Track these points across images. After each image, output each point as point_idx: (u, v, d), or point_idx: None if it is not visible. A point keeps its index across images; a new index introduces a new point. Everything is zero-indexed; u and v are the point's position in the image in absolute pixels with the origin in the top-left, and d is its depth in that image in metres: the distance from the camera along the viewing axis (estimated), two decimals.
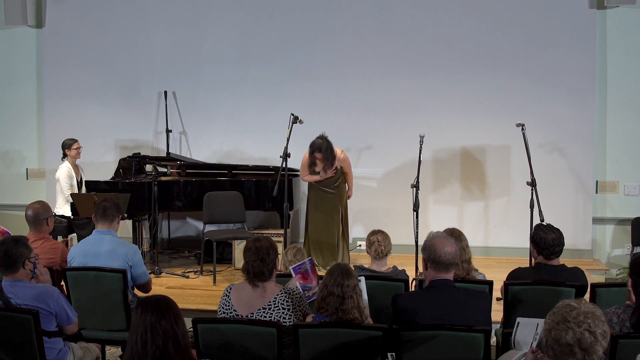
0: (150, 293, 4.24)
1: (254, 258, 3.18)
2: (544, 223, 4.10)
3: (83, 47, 7.87)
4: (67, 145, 6.79)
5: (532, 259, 4.08)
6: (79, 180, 6.80)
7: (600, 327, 2.14)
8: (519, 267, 4.00)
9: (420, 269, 3.82)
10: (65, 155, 6.79)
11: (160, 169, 7.22)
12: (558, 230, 3.89)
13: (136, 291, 4.37)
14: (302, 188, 7.27)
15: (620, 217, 7.01)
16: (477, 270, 4.13)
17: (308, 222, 6.59)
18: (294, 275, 3.73)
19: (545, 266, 3.84)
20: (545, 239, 3.79)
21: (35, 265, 3.57)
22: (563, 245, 3.85)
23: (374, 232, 4.30)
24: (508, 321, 3.79)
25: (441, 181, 7.26)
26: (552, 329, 2.18)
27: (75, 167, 6.86)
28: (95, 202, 4.90)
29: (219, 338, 3.07)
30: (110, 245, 4.23)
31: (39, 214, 4.45)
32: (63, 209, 6.62)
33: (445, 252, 3.09)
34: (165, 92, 7.66)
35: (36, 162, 8.21)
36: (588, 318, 2.14)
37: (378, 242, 4.19)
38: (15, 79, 8.18)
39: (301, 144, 6.58)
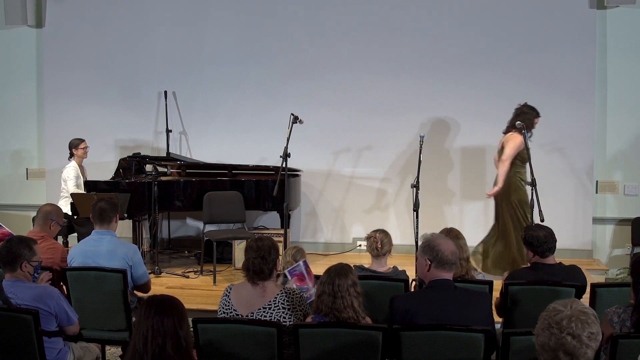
0: (151, 293, 4.24)
1: (255, 255, 3.20)
2: (533, 224, 4.13)
3: (83, 47, 7.87)
4: (75, 145, 6.81)
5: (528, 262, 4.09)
6: (85, 181, 6.81)
7: (587, 329, 2.11)
8: (516, 269, 4.00)
9: None
10: (72, 155, 6.81)
11: (160, 169, 7.22)
12: (547, 227, 3.96)
13: (136, 291, 4.38)
14: (303, 188, 7.27)
15: (620, 217, 7.01)
16: (476, 269, 4.13)
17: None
18: (289, 278, 3.72)
19: (543, 265, 3.85)
20: (538, 237, 3.83)
21: (36, 269, 3.56)
22: (555, 241, 3.89)
23: (375, 230, 4.30)
24: (508, 321, 3.80)
25: (441, 181, 7.26)
26: (538, 335, 2.17)
27: (82, 168, 6.88)
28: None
29: (219, 338, 3.07)
30: (110, 245, 4.23)
31: (51, 213, 4.54)
32: (66, 208, 6.62)
33: (451, 252, 3.12)
34: (165, 92, 7.66)
35: (36, 162, 8.21)
36: (572, 322, 2.10)
37: (374, 238, 4.19)
38: (15, 79, 8.18)
39: (301, 144, 6.59)
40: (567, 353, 2.10)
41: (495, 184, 5.94)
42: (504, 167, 5.75)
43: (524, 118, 5.82)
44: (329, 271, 3.15)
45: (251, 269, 3.21)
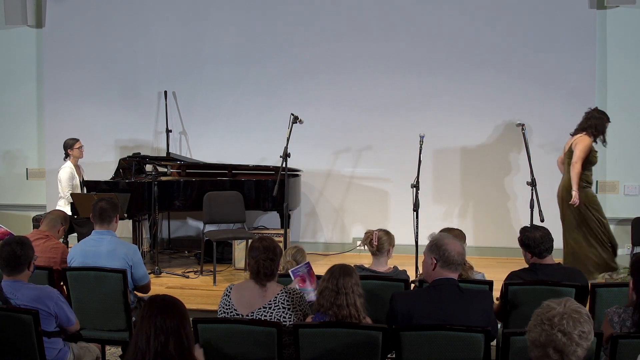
0: (151, 293, 4.25)
1: (264, 257, 3.19)
2: (527, 226, 4.12)
3: (83, 47, 7.87)
4: (69, 145, 6.79)
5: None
6: (81, 181, 6.80)
7: (578, 328, 2.11)
8: (514, 271, 3.97)
9: (421, 269, 3.81)
10: (67, 156, 6.78)
11: (160, 169, 7.22)
12: (543, 227, 3.95)
13: (136, 292, 4.38)
14: (303, 188, 7.27)
15: (620, 217, 7.00)
16: (472, 268, 4.12)
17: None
18: (293, 278, 3.72)
19: (541, 266, 3.84)
20: (534, 238, 3.82)
21: (34, 266, 3.58)
22: (552, 241, 3.88)
23: (377, 229, 4.28)
24: (507, 321, 3.80)
25: (441, 181, 7.26)
26: (530, 331, 2.17)
27: (77, 168, 6.86)
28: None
29: (219, 338, 3.07)
30: (110, 245, 4.23)
31: (63, 218, 4.71)
32: (65, 208, 6.62)
33: (457, 253, 3.13)
34: (165, 92, 7.66)
35: (36, 162, 8.21)
36: (564, 319, 2.11)
37: (371, 234, 4.18)
38: (15, 79, 8.18)
39: (301, 144, 6.59)
40: (556, 350, 2.10)
41: (562, 188, 5.93)
42: (576, 169, 5.74)
43: (595, 123, 5.83)
44: (332, 270, 3.15)
45: (262, 271, 3.20)
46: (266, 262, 3.19)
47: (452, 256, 3.11)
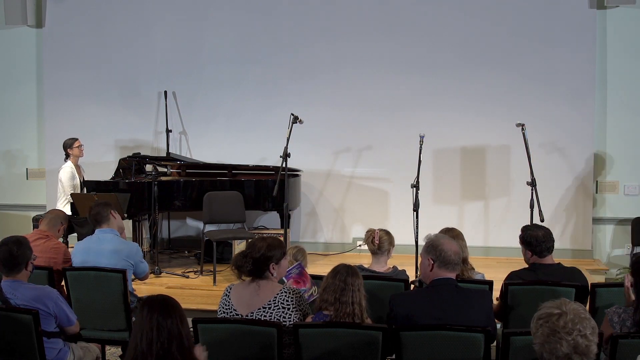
0: (150, 293, 4.25)
1: (241, 254, 3.27)
2: (529, 224, 4.11)
3: (83, 47, 7.87)
4: (69, 145, 6.78)
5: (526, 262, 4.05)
6: (81, 181, 6.79)
7: (589, 326, 2.15)
8: (514, 270, 3.97)
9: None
10: (67, 156, 6.78)
11: (160, 169, 7.22)
12: (545, 227, 3.95)
13: (137, 291, 4.40)
14: (303, 188, 7.27)
15: (620, 217, 7.00)
16: (473, 269, 4.12)
17: None
18: (285, 282, 3.72)
19: (541, 265, 3.84)
20: (537, 236, 3.82)
21: (33, 266, 3.58)
22: (553, 241, 3.88)
23: (378, 229, 4.29)
24: (507, 321, 3.80)
25: (441, 181, 7.26)
26: (545, 343, 2.18)
27: (78, 168, 6.86)
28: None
29: (219, 338, 3.07)
30: (112, 244, 4.27)
31: (62, 217, 4.75)
32: (65, 209, 6.62)
33: (454, 253, 3.13)
34: (165, 92, 7.66)
35: (36, 162, 8.21)
36: (576, 323, 2.14)
37: (372, 232, 4.18)
38: (15, 79, 8.18)
39: (301, 144, 6.59)
40: (578, 353, 2.14)
41: None
42: None
43: None
44: (338, 268, 3.17)
45: (236, 264, 3.27)
46: (238, 257, 3.26)
47: (449, 256, 3.11)
